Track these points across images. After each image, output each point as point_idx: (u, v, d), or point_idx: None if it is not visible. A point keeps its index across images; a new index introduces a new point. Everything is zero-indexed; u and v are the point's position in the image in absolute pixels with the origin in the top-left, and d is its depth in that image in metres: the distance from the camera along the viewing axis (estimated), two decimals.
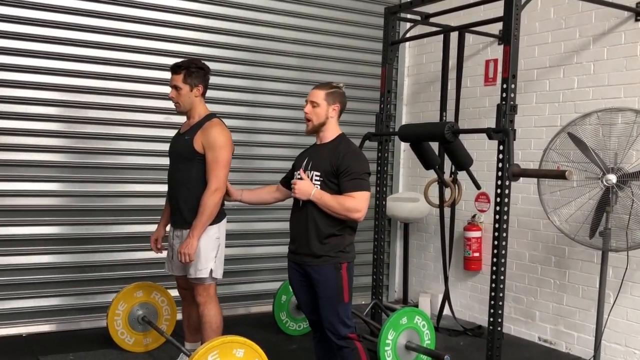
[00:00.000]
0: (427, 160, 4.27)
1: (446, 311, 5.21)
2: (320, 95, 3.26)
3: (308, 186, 3.19)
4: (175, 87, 3.54)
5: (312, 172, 3.24)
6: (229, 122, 4.56)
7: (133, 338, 4.21)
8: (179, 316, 4.17)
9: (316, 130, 3.31)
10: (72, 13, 4.63)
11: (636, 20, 4.19)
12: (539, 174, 3.95)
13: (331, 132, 3.32)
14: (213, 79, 4.97)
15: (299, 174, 3.32)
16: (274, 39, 5.44)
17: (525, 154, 4.85)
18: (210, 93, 4.90)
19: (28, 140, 4.57)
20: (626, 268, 3.98)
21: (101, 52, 4.75)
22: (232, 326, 4.58)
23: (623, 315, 4.27)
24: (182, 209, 3.56)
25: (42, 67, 4.57)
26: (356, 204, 3.13)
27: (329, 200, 3.14)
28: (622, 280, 4.02)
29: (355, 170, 3.16)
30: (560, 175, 3.49)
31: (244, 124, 5.38)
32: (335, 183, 3.19)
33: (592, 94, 4.47)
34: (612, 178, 3.75)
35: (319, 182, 3.20)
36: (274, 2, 5.40)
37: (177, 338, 4.03)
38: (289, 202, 3.45)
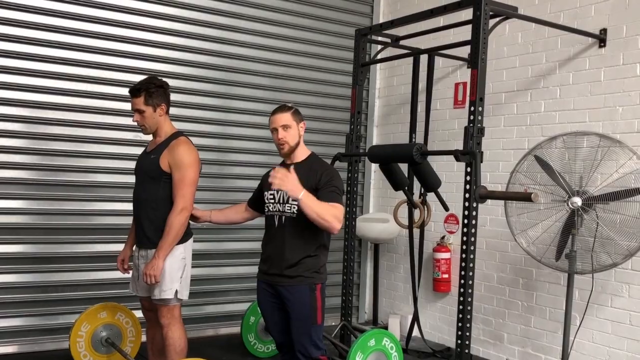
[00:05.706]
0: (396, 181, 4.28)
1: (415, 332, 5.20)
2: (288, 118, 3.30)
3: (298, 185, 3.03)
4: (138, 111, 3.47)
5: None
6: (199, 140, 4.55)
7: None
8: (144, 338, 4.08)
9: (292, 151, 3.32)
10: (36, 28, 4.57)
11: (600, 46, 4.28)
12: (506, 196, 3.98)
13: (302, 150, 3.37)
14: (183, 98, 4.99)
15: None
16: (245, 59, 5.43)
17: (494, 176, 4.89)
18: (181, 111, 4.90)
19: None
20: (591, 290, 4.02)
21: (67, 68, 4.69)
22: (199, 348, 4.53)
23: (589, 337, 4.30)
24: (147, 229, 3.50)
25: (5, 83, 4.50)
26: (339, 213, 3.13)
27: (316, 202, 3.06)
28: (588, 302, 4.05)
29: (336, 185, 3.21)
30: (526, 197, 3.53)
31: (215, 143, 5.34)
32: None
33: (558, 118, 4.54)
34: (578, 201, 3.79)
35: (296, 202, 3.15)
36: (245, 22, 5.41)
37: None
38: (258, 222, 3.43)
